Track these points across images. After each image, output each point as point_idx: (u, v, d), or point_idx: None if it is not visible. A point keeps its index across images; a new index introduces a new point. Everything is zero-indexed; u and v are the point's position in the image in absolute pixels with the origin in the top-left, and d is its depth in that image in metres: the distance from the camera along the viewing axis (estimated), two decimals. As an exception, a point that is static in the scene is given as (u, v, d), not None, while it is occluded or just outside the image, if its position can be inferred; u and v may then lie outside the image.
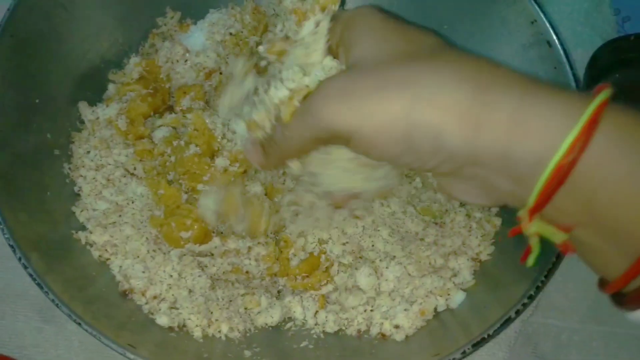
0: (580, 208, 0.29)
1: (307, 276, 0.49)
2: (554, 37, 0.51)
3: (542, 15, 0.52)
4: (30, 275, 0.41)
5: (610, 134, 0.28)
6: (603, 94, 0.29)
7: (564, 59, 0.50)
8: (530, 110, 0.29)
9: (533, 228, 0.32)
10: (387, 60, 0.33)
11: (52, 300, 0.40)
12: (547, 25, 0.51)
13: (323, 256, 0.50)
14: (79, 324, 0.40)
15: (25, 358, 0.51)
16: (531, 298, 0.42)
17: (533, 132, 0.29)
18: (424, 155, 0.32)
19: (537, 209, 0.30)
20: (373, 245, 0.49)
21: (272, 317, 0.48)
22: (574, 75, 0.50)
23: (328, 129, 0.34)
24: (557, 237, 0.32)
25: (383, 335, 0.48)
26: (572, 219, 0.30)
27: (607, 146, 0.28)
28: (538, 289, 0.43)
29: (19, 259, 0.41)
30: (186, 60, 0.57)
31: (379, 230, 0.50)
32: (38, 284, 0.41)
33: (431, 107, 0.31)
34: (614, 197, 0.28)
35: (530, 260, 0.35)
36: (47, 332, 0.51)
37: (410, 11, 0.60)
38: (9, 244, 0.41)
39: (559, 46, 0.51)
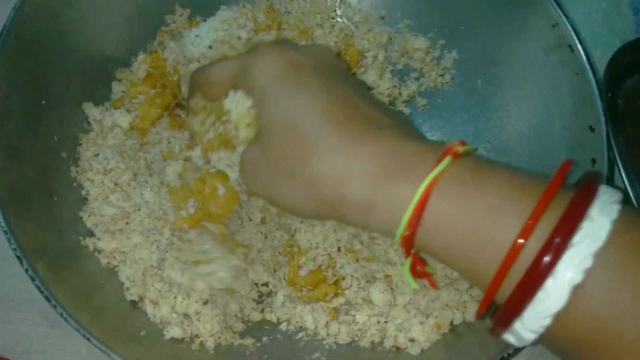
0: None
1: (312, 289, 0.48)
2: (577, 41, 0.49)
3: (564, 19, 0.50)
4: (38, 287, 0.40)
5: (441, 199, 0.33)
6: (443, 163, 0.33)
7: (587, 65, 0.49)
8: (380, 192, 0.34)
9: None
10: (280, 140, 0.37)
11: (61, 314, 0.39)
12: (570, 28, 0.50)
13: (330, 271, 0.48)
14: (88, 339, 0.39)
15: (32, 364, 0.50)
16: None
17: (384, 211, 0.34)
18: (321, 220, 0.43)
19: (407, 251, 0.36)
20: (387, 257, 0.48)
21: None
22: (597, 81, 0.48)
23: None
24: (412, 283, 0.38)
25: (397, 348, 0.47)
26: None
27: (439, 208, 0.33)
28: (559, 306, 0.41)
29: (26, 271, 0.40)
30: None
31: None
32: (46, 297, 0.39)
33: (308, 197, 0.37)
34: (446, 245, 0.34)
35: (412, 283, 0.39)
36: (54, 337, 0.51)
37: (426, 11, 0.59)
38: (16, 255, 0.40)
39: (581, 51, 0.49)
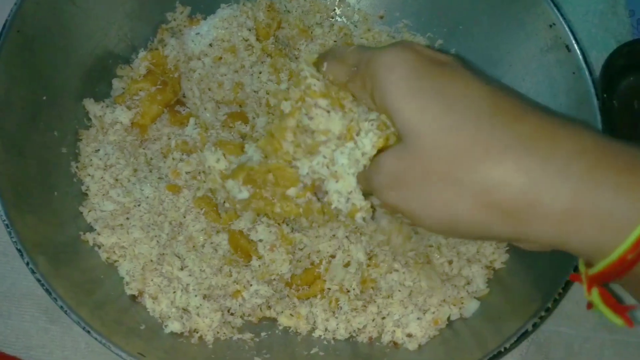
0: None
1: (308, 287, 0.49)
2: (573, 41, 0.50)
3: (561, 19, 0.50)
4: (38, 280, 0.40)
5: None
6: None
7: (583, 64, 0.49)
8: (585, 204, 0.28)
9: (592, 297, 0.32)
10: (429, 141, 0.32)
11: (61, 307, 0.39)
12: (566, 29, 0.50)
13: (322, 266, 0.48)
14: (88, 331, 0.39)
15: (32, 359, 0.50)
16: (548, 311, 0.42)
17: (586, 227, 0.29)
18: (470, 237, 0.35)
19: (594, 281, 0.30)
20: (385, 254, 0.48)
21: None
22: (593, 81, 0.49)
23: (385, 204, 0.36)
24: (613, 318, 0.31)
25: (395, 343, 0.47)
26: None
27: None
28: (556, 302, 0.42)
29: (27, 264, 0.40)
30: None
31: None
32: (46, 290, 0.40)
33: (471, 207, 0.31)
34: None
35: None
36: (54, 332, 0.51)
37: (424, 10, 0.59)
38: (17, 248, 0.41)
39: (578, 51, 0.50)
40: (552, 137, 0.30)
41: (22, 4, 0.46)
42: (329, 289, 0.48)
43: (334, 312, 0.48)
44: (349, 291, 0.48)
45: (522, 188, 0.29)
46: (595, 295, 0.31)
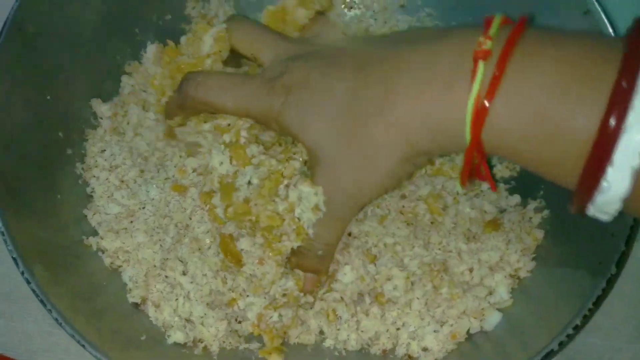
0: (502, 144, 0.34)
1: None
2: (610, 29, 0.46)
3: (597, 5, 0.46)
4: (33, 290, 0.38)
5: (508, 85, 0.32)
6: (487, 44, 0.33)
7: (621, 55, 0.45)
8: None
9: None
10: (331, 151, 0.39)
11: (56, 320, 0.38)
12: (603, 16, 0.46)
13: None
14: (83, 345, 0.37)
15: (36, 363, 0.49)
16: (577, 329, 0.38)
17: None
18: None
19: (472, 148, 0.34)
20: (402, 261, 0.45)
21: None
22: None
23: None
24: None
25: (410, 357, 0.44)
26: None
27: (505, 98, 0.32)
28: (586, 318, 0.38)
29: (22, 273, 0.39)
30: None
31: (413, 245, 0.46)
32: (41, 301, 0.38)
33: (399, 151, 0.37)
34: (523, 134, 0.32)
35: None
36: (58, 336, 0.50)
37: (449, 0, 0.55)
38: (12, 257, 0.39)
39: (615, 40, 0.45)
40: (390, 82, 0.36)
41: (23, -1, 0.45)
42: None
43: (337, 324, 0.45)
44: (342, 299, 0.45)
45: (400, 129, 0.36)
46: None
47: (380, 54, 0.37)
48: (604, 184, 0.29)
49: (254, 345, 0.45)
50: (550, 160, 0.32)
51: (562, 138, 0.31)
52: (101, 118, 0.51)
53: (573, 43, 0.32)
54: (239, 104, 0.41)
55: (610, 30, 0.46)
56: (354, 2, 0.57)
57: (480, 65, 0.32)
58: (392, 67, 0.36)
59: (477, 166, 0.37)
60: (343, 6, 0.57)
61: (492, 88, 0.31)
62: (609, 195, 0.30)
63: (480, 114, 0.32)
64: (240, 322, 0.46)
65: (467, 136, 0.33)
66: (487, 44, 0.32)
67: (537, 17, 0.50)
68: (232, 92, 0.42)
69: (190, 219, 0.47)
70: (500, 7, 0.51)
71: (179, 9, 0.55)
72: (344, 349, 0.45)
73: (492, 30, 0.33)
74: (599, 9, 0.46)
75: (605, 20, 0.46)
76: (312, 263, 0.43)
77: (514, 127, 0.32)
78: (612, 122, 0.28)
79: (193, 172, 0.49)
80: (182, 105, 0.44)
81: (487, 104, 0.32)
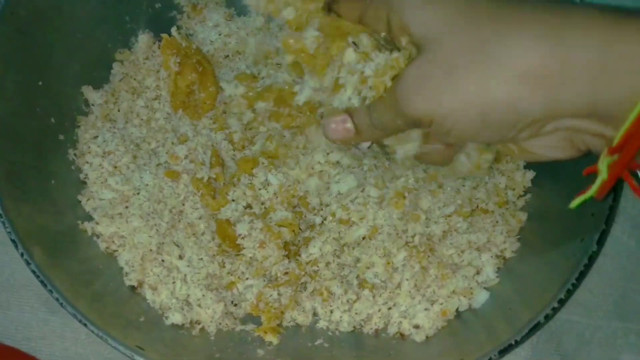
0: None
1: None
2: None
3: None
4: (34, 271, 0.39)
5: None
6: None
7: None
8: (614, 54, 0.28)
9: (603, 164, 0.31)
10: (448, 38, 0.32)
11: (57, 299, 0.38)
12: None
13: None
14: (85, 324, 0.38)
15: (32, 350, 0.49)
16: (561, 302, 0.40)
17: (621, 76, 0.28)
18: (503, 130, 0.33)
19: (617, 149, 0.30)
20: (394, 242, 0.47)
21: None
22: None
23: (411, 117, 0.35)
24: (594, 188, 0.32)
25: (402, 334, 0.46)
26: None
27: None
28: (569, 293, 0.40)
29: (21, 255, 0.39)
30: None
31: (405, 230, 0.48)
32: (42, 282, 0.39)
33: (503, 82, 0.30)
34: None
35: (575, 202, 0.34)
36: (54, 323, 0.50)
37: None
38: (11, 239, 0.39)
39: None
40: (562, 10, 0.30)
41: (16, -16, 0.45)
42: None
43: (330, 303, 0.46)
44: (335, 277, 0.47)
45: (549, 50, 0.29)
46: (605, 162, 0.31)
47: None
48: None
49: (250, 327, 0.46)
50: None
51: None
52: (92, 105, 0.51)
53: None
54: None
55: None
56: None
57: None
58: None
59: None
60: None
61: None
62: None
63: None
64: (236, 305, 0.47)
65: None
66: None
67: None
68: None
69: (184, 204, 0.48)
70: None
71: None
72: (337, 329, 0.47)
73: None
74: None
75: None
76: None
77: None
78: None
79: (185, 158, 0.50)
80: None
81: None
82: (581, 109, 0.30)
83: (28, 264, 0.39)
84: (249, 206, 0.49)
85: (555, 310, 0.40)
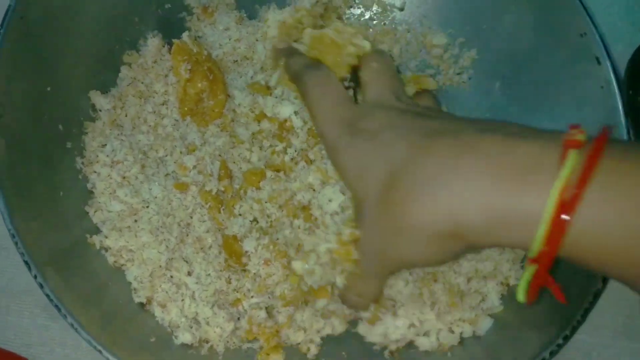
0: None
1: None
2: (605, 53, 0.48)
3: (593, 29, 0.48)
4: (47, 295, 0.38)
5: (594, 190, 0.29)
6: (569, 159, 0.29)
7: (613, 79, 0.48)
8: (500, 209, 0.31)
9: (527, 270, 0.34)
10: (373, 206, 0.36)
11: (72, 325, 0.38)
12: (598, 39, 0.48)
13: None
14: (100, 351, 0.38)
15: (32, 356, 0.49)
16: (566, 339, 0.41)
17: (514, 227, 0.31)
18: (442, 262, 0.37)
19: (552, 250, 0.31)
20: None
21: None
22: (622, 98, 0.47)
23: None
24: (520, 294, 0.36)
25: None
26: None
27: (590, 210, 0.29)
28: (574, 329, 0.41)
29: (35, 277, 0.39)
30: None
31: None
32: (56, 306, 0.38)
33: (426, 242, 0.34)
34: (611, 251, 0.29)
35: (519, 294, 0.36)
36: (54, 330, 0.50)
37: (447, 6, 0.56)
38: (24, 260, 0.39)
39: (608, 64, 0.48)
40: (459, 158, 0.32)
41: (26, -12, 0.43)
42: None
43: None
44: None
45: (448, 214, 0.32)
46: (525, 275, 0.34)
47: (460, 127, 0.35)
48: None
49: (257, 345, 0.46)
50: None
51: None
52: (100, 110, 0.50)
53: None
54: (323, 114, 0.40)
55: (605, 53, 0.48)
56: (355, 2, 0.58)
57: (572, 153, 0.29)
58: (464, 143, 0.33)
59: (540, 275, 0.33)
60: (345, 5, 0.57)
61: (585, 176, 0.28)
62: None
63: (567, 206, 0.28)
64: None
65: (540, 236, 0.30)
66: (580, 136, 0.30)
67: (535, 34, 0.52)
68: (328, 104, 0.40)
69: (191, 217, 0.48)
70: (495, 19, 0.54)
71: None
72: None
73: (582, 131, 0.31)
74: (595, 32, 0.48)
75: (600, 44, 0.48)
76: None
77: (610, 226, 0.29)
78: None
79: (194, 169, 0.49)
80: (286, 65, 0.45)
81: (575, 195, 0.28)
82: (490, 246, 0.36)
83: (41, 287, 0.38)
84: (255, 220, 0.49)
85: (560, 347, 0.41)
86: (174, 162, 0.49)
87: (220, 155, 0.50)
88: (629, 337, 0.52)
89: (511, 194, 0.30)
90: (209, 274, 0.46)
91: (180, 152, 0.50)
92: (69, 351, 0.49)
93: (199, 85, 0.50)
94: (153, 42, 0.52)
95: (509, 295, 0.48)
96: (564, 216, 0.29)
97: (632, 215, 0.28)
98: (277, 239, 0.47)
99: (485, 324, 0.47)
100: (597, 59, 0.48)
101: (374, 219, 0.36)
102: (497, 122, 0.36)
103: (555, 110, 0.51)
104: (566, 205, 0.29)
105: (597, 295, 0.42)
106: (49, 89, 0.46)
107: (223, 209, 0.48)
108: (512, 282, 0.48)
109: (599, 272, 0.34)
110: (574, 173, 0.29)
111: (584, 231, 0.29)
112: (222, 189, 0.49)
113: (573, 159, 0.29)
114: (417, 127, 0.36)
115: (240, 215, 0.48)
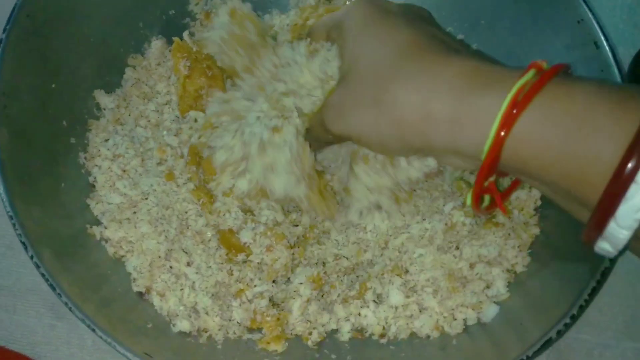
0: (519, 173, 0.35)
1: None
2: (602, 38, 0.48)
3: (590, 14, 0.48)
4: (43, 275, 0.38)
5: (534, 112, 0.32)
6: (528, 74, 0.33)
7: (612, 62, 0.47)
8: (465, 106, 0.34)
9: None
10: (362, 75, 0.39)
11: (65, 304, 0.38)
12: (596, 25, 0.48)
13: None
14: (93, 329, 0.37)
15: (37, 356, 0.49)
16: (574, 318, 0.40)
17: (470, 125, 0.34)
18: (401, 152, 0.41)
19: (483, 177, 0.36)
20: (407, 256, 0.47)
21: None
22: (622, 79, 0.47)
23: (336, 135, 0.42)
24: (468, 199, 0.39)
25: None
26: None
27: (531, 124, 0.32)
28: (582, 309, 0.40)
29: (31, 257, 0.39)
30: None
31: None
32: (50, 285, 0.38)
33: (389, 123, 0.37)
34: (543, 164, 0.32)
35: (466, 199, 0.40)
36: (60, 329, 0.49)
37: (446, 4, 0.57)
38: (21, 241, 0.39)
39: (607, 48, 0.48)
40: (444, 62, 0.36)
41: (33, -13, 0.45)
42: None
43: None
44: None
45: (420, 101, 0.35)
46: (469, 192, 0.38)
47: (458, 47, 0.39)
48: (611, 225, 0.30)
49: (257, 336, 0.45)
50: (570, 183, 0.32)
51: (585, 165, 0.31)
52: (104, 109, 0.51)
53: (603, 84, 0.32)
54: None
55: (602, 37, 0.48)
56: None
57: (531, 71, 0.33)
58: (455, 56, 0.37)
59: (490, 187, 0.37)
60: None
61: (534, 87, 0.32)
62: (618, 231, 0.30)
63: (510, 118, 0.32)
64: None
65: (487, 145, 0.33)
66: (543, 64, 0.34)
67: (532, 25, 0.52)
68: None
69: (187, 212, 0.48)
70: (494, 13, 0.55)
71: (182, 4, 0.56)
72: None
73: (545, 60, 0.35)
74: (592, 18, 0.48)
75: (598, 29, 0.48)
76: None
77: (541, 141, 0.32)
78: (630, 165, 0.29)
79: (172, 149, 0.50)
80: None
81: (523, 101, 0.32)
82: (443, 147, 0.36)
83: (38, 267, 0.39)
84: (248, 210, 0.48)
85: (567, 327, 0.40)
86: (157, 148, 0.50)
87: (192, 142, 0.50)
88: (631, 337, 0.51)
89: (475, 95, 0.34)
90: (210, 266, 0.46)
91: (164, 135, 0.51)
92: (74, 350, 0.49)
93: (198, 81, 0.51)
94: (157, 45, 0.54)
95: (515, 283, 0.47)
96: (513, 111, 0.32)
97: (560, 133, 0.31)
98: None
99: (490, 311, 0.45)
100: (596, 43, 0.48)
101: (359, 84, 0.39)
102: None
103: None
104: (518, 105, 0.32)
105: (604, 274, 0.41)
106: (53, 85, 0.47)
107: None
108: (519, 269, 0.47)
109: (542, 190, 0.36)
110: (528, 86, 0.32)
111: (523, 139, 0.32)
112: (189, 175, 0.49)
113: (530, 75, 0.33)
114: (423, 29, 0.40)
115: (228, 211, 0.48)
